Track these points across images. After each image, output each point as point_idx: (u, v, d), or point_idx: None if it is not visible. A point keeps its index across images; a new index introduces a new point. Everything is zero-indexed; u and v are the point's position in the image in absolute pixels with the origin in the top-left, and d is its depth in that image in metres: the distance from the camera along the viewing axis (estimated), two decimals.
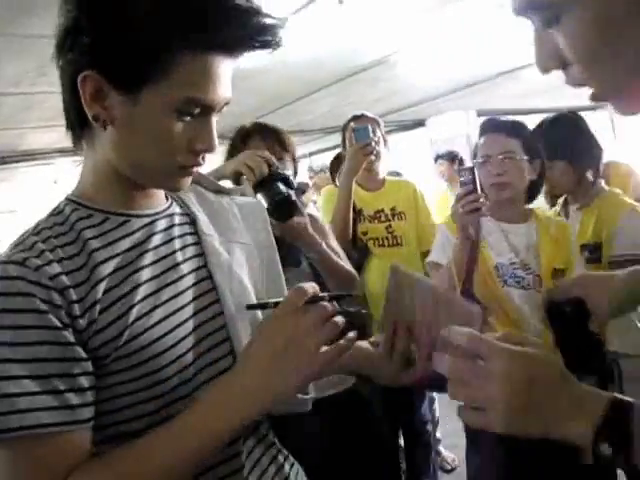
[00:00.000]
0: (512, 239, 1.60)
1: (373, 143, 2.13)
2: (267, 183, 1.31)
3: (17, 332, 0.61)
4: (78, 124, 0.71)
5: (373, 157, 2.20)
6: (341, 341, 0.68)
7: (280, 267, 0.93)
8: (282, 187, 1.31)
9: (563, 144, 1.83)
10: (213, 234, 0.83)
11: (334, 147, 7.56)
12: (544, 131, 1.89)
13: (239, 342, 0.76)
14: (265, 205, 1.10)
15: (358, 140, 2.12)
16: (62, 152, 4.70)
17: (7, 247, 0.69)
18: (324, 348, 0.67)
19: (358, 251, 2.25)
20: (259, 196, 1.26)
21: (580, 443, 0.56)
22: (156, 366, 0.69)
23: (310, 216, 1.55)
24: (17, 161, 4.81)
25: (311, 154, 8.03)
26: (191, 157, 0.72)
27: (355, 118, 2.34)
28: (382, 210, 2.32)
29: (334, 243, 1.68)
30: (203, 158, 0.74)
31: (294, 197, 1.33)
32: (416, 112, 6.10)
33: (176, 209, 0.83)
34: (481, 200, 1.46)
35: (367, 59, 4.07)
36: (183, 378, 0.71)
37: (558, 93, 6.54)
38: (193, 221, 0.83)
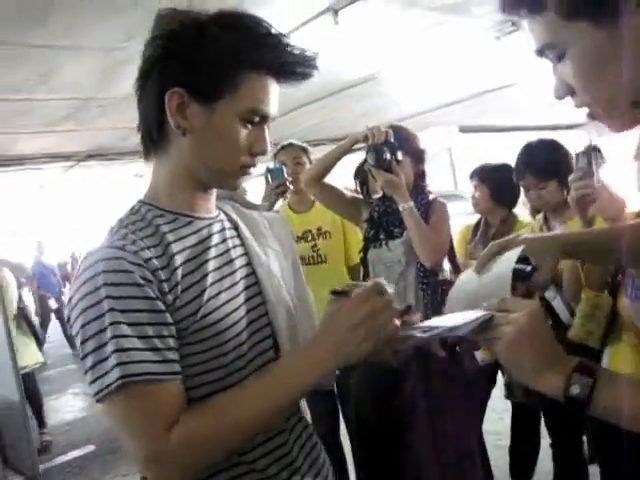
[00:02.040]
0: None
1: (287, 183, 2.28)
2: (379, 146, 1.85)
3: (122, 301, 0.75)
4: (158, 134, 0.86)
5: (288, 195, 2.41)
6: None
7: (301, 270, 1.07)
8: (387, 153, 1.85)
9: (556, 165, 2.00)
10: (252, 238, 0.98)
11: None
12: (534, 153, 2.05)
13: (278, 327, 0.91)
14: (371, 162, 1.84)
15: (273, 180, 2.27)
16: (51, 158, 4.74)
17: (104, 239, 0.83)
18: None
19: None
20: (370, 154, 1.87)
21: (553, 389, 0.69)
22: (221, 340, 0.83)
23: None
24: (4, 165, 4.83)
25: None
26: (250, 159, 0.88)
27: (282, 148, 2.51)
28: (309, 230, 2.51)
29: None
30: (258, 160, 0.89)
31: (391, 160, 1.86)
32: None
33: (223, 216, 0.97)
34: (595, 185, 1.53)
35: (355, 76, 4.21)
36: (239, 353, 0.85)
37: (538, 112, 6.76)
38: (236, 227, 0.97)
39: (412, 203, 1.86)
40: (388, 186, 1.89)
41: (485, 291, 0.90)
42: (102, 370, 0.74)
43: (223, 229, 0.95)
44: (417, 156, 2.00)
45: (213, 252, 0.89)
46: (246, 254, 0.95)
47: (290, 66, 0.85)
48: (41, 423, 4.13)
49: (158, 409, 0.75)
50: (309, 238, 2.51)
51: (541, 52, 0.63)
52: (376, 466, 1.94)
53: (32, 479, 2.43)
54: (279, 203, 2.44)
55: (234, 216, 1.00)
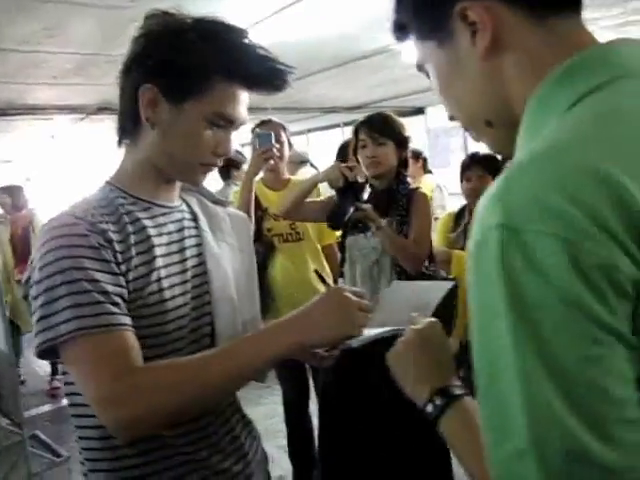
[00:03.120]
0: None
1: (274, 149, 2.32)
2: (339, 192, 1.95)
3: (80, 260, 0.80)
4: (131, 124, 0.92)
5: (272, 161, 2.40)
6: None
7: (255, 267, 1.13)
8: (348, 201, 1.92)
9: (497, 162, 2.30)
10: (208, 231, 1.03)
11: (331, 126, 7.67)
12: None
13: (218, 316, 0.96)
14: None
15: (261, 145, 2.31)
16: (60, 109, 4.74)
17: (65, 210, 0.88)
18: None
19: (263, 246, 2.50)
20: (337, 198, 1.94)
21: (418, 401, 0.76)
22: (162, 320, 0.88)
23: None
24: (17, 114, 4.84)
25: (309, 131, 8.11)
26: (213, 158, 0.93)
27: (262, 123, 2.55)
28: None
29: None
30: (220, 160, 0.95)
31: (351, 209, 1.93)
32: (415, 100, 6.17)
33: (185, 207, 1.03)
34: None
35: (370, 47, 4.12)
36: (179, 335, 0.90)
37: None
38: (195, 218, 1.03)
39: (383, 222, 1.90)
40: (361, 218, 1.98)
41: (413, 302, 0.94)
42: (49, 323, 0.78)
43: (182, 219, 1.00)
44: (401, 143, 2.06)
45: (165, 238, 0.94)
46: (200, 245, 1.00)
47: (262, 78, 0.90)
48: (54, 370, 4.30)
49: (114, 355, 0.79)
50: None
51: (419, 68, 0.70)
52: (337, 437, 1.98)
53: (18, 425, 2.53)
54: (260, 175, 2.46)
55: (196, 208, 1.05)
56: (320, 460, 2.23)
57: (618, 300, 0.44)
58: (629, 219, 0.45)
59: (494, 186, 0.51)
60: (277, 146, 2.37)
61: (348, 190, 1.96)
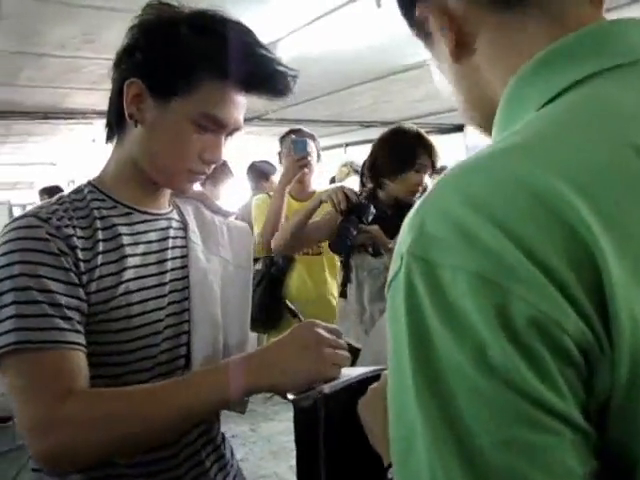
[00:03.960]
0: None
1: (309, 157, 2.27)
2: (343, 215, 1.88)
3: (35, 266, 0.74)
4: (116, 122, 0.87)
5: (307, 170, 2.34)
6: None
7: (250, 287, 1.03)
8: (351, 224, 1.86)
9: None
10: (199, 243, 0.95)
11: (370, 140, 7.59)
12: None
13: (196, 338, 0.88)
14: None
15: (296, 152, 2.24)
16: (100, 114, 4.81)
17: (31, 209, 0.82)
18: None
19: (283, 258, 2.43)
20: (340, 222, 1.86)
21: (384, 460, 0.64)
22: (128, 337, 0.81)
23: None
24: (58, 118, 4.95)
25: (347, 145, 8.05)
26: (200, 165, 0.85)
27: (294, 132, 2.51)
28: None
29: None
30: (210, 167, 0.87)
31: (354, 232, 1.86)
32: (454, 117, 6.05)
33: (175, 216, 0.96)
34: None
35: (409, 60, 4.05)
36: (148, 354, 0.83)
37: None
38: (185, 228, 0.95)
39: (391, 243, 1.85)
40: (365, 241, 1.92)
41: None
42: None
43: (167, 227, 0.92)
44: (434, 171, 2.03)
45: (142, 248, 0.86)
46: (186, 257, 0.92)
47: (260, 80, 0.83)
48: None
49: (52, 377, 0.72)
50: None
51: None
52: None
53: None
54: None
55: (189, 217, 0.96)
56: None
57: (560, 370, 0.32)
58: (578, 257, 0.32)
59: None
60: (311, 154, 2.32)
61: (352, 213, 1.87)
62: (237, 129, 0.87)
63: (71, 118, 4.86)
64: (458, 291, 0.33)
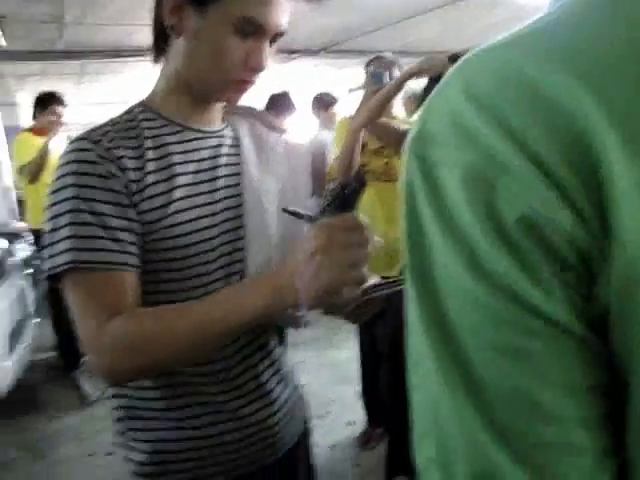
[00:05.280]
0: None
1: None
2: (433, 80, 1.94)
3: (87, 190, 0.78)
4: (160, 38, 0.86)
5: None
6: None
7: (307, 202, 1.02)
8: None
9: None
10: (253, 160, 0.95)
11: None
12: None
13: (251, 252, 0.89)
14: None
15: (374, 84, 2.23)
16: None
17: (85, 131, 0.84)
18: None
19: (357, 181, 2.50)
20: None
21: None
22: (182, 254, 0.83)
23: None
24: (128, 55, 5.04)
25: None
26: (244, 73, 0.84)
27: (374, 59, 2.45)
28: (384, 147, 2.43)
29: None
30: (256, 76, 0.85)
31: None
32: None
33: (229, 132, 0.95)
34: None
35: None
36: (201, 271, 0.85)
37: None
38: (239, 145, 0.94)
39: None
40: None
41: None
42: (55, 251, 0.77)
43: (219, 145, 0.92)
44: None
45: (193, 166, 0.87)
46: (239, 174, 0.92)
47: None
48: None
49: (102, 297, 0.77)
50: (384, 153, 2.45)
51: None
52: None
53: None
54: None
55: (243, 134, 0.96)
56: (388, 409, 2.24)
57: (554, 273, 0.30)
58: (579, 154, 0.29)
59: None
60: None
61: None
62: (280, 34, 0.84)
63: (139, 55, 4.93)
64: (452, 190, 0.32)
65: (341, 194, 2.50)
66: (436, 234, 0.33)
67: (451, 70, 0.35)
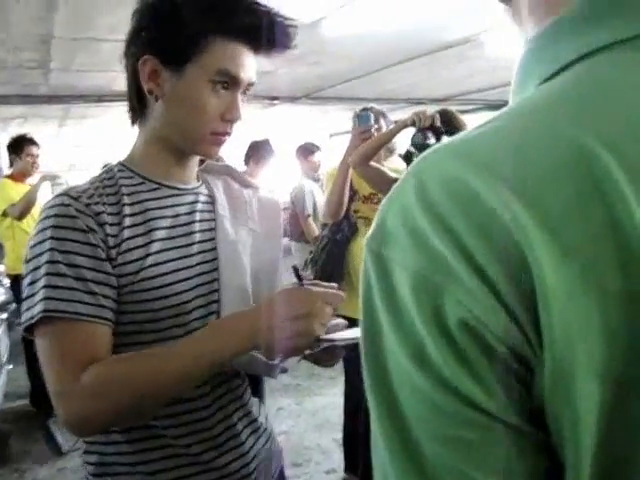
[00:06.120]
0: None
1: (372, 129, 2.32)
2: (425, 130, 2.06)
3: (64, 242, 0.80)
4: (137, 103, 0.90)
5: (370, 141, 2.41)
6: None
7: (280, 255, 1.06)
8: (432, 138, 2.05)
9: None
10: (227, 215, 0.98)
11: None
12: None
13: (225, 306, 0.92)
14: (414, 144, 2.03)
15: (360, 124, 2.34)
16: None
17: (65, 188, 0.87)
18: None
19: (348, 226, 2.57)
20: (415, 137, 2.06)
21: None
22: (159, 306, 0.85)
23: None
24: (111, 100, 5.11)
25: (396, 122, 7.99)
26: (222, 125, 0.88)
27: (364, 109, 2.53)
28: (376, 194, 2.50)
29: None
30: (231, 127, 0.90)
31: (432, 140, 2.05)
32: (502, 93, 5.91)
33: (203, 190, 0.99)
34: None
35: (454, 36, 3.99)
36: (178, 322, 0.87)
37: None
38: (214, 202, 0.98)
39: None
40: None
41: None
42: (31, 303, 0.79)
43: (195, 202, 0.95)
44: None
45: (169, 222, 0.90)
46: (213, 229, 0.95)
47: (261, 32, 0.85)
48: None
49: (75, 347, 0.78)
50: (375, 201, 2.52)
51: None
52: None
53: None
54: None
55: (217, 191, 1.00)
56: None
57: (491, 370, 0.32)
58: (508, 257, 0.31)
59: None
60: (376, 126, 2.37)
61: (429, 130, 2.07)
62: (251, 84, 0.89)
63: (121, 100, 5.00)
64: (402, 289, 0.34)
65: (332, 240, 2.58)
66: (388, 328, 0.35)
67: (409, 169, 0.37)
